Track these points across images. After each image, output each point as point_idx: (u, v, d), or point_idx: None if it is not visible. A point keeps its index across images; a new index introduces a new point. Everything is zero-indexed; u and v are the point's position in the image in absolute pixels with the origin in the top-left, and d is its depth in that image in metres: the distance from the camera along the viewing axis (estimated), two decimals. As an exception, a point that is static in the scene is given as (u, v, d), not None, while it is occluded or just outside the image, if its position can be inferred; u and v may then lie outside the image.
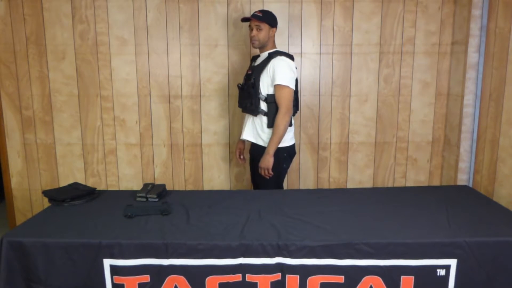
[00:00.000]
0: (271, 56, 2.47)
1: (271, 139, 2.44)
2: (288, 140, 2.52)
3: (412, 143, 3.14)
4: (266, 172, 2.46)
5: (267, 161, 2.44)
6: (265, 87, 2.46)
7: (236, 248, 1.68)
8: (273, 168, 2.46)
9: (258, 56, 2.60)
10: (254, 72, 2.49)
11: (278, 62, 2.43)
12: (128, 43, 2.98)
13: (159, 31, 2.97)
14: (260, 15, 2.47)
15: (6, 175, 3.15)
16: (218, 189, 3.15)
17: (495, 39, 2.59)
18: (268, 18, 2.48)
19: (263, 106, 2.48)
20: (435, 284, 1.69)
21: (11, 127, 3.08)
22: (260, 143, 2.52)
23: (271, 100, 2.45)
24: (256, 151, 2.54)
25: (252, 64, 2.60)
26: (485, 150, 2.69)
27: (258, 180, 2.57)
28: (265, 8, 2.81)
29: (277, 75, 2.41)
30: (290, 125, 2.50)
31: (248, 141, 2.60)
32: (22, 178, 3.15)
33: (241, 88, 2.58)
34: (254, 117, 2.52)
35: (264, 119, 2.49)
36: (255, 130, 2.53)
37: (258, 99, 2.47)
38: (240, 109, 2.66)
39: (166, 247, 1.68)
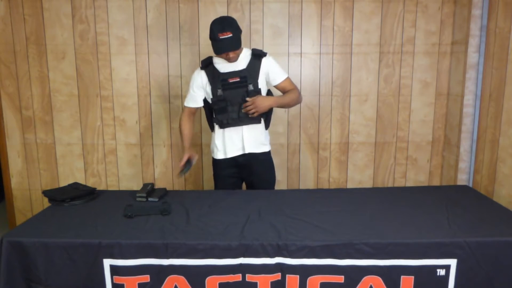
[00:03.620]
0: (259, 56, 2.29)
1: (282, 97, 2.29)
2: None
3: (412, 143, 3.13)
4: (253, 110, 2.21)
5: (266, 103, 2.23)
6: (263, 90, 2.32)
7: (236, 248, 1.68)
8: (272, 172, 2.44)
9: (211, 58, 2.31)
10: (248, 78, 2.24)
11: (271, 60, 2.31)
12: (128, 43, 2.98)
13: (159, 31, 2.97)
14: (231, 36, 2.11)
15: (6, 175, 3.16)
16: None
17: (495, 39, 2.59)
18: (238, 34, 2.18)
19: None
20: (435, 284, 1.69)
21: (11, 127, 3.08)
22: (264, 149, 2.39)
23: None
24: (256, 157, 2.37)
25: (218, 71, 2.26)
26: (485, 150, 2.69)
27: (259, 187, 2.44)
28: (265, 9, 2.80)
29: (280, 72, 2.32)
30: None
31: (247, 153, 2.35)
32: (22, 178, 3.15)
33: (225, 99, 2.25)
34: (253, 126, 2.32)
35: (263, 122, 2.37)
36: (256, 139, 2.35)
37: None
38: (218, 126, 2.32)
39: (166, 247, 1.68)
